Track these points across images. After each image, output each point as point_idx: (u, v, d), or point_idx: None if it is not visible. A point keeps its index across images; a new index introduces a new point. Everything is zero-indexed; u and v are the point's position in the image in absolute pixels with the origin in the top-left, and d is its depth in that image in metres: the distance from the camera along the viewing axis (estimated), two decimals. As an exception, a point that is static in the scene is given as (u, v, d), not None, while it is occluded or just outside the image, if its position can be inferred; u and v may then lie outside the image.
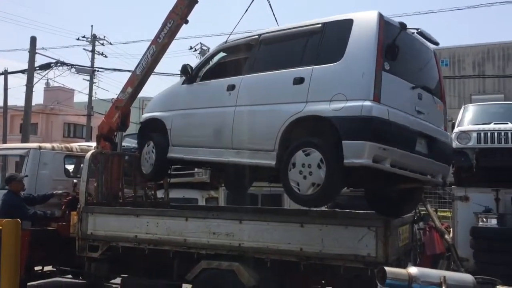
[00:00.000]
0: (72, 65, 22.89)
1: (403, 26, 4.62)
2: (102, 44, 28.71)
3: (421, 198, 6.14)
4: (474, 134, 7.24)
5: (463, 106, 8.58)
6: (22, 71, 20.80)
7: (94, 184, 6.62)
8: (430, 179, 4.98)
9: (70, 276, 7.61)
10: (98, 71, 27.49)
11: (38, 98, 60.66)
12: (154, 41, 6.87)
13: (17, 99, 60.53)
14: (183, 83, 5.95)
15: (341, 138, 4.21)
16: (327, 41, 4.73)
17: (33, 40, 20.28)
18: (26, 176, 6.92)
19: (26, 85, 19.72)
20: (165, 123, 5.91)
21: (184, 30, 7.00)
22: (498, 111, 8.57)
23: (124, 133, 7.58)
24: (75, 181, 7.12)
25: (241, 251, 5.13)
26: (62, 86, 33.14)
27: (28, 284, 6.68)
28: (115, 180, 6.87)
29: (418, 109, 4.75)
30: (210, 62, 6.04)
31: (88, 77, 27.35)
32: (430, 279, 3.60)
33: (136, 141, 7.03)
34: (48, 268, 7.45)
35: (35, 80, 20.55)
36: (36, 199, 6.82)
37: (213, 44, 45.89)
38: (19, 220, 5.81)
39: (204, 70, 5.93)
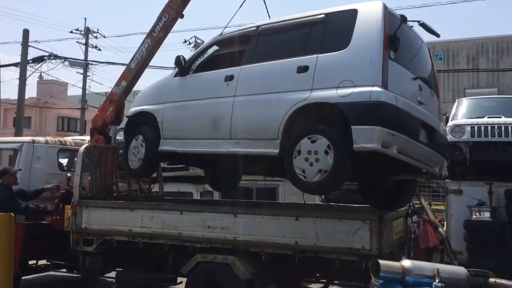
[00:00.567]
0: (65, 58, 22.64)
1: (404, 18, 4.68)
2: (96, 37, 28.55)
3: (415, 192, 6.17)
4: (468, 128, 7.29)
5: (457, 100, 8.63)
6: (15, 64, 20.53)
7: (88, 178, 6.60)
8: (429, 168, 5.01)
9: (64, 270, 7.60)
10: (91, 64, 27.30)
11: (31, 91, 60.33)
12: (149, 35, 6.80)
13: (10, 92, 60.04)
14: (175, 76, 5.90)
15: (350, 123, 4.22)
16: (331, 30, 4.73)
17: (25, 33, 20.05)
18: (20, 170, 6.87)
19: (19, 78, 19.52)
20: (156, 116, 5.84)
21: (178, 23, 6.94)
22: (491, 105, 8.62)
23: (118, 127, 7.54)
24: (69, 175, 7.09)
25: (236, 244, 5.14)
26: (56, 79, 32.96)
27: (22, 278, 6.66)
28: (109, 174, 6.84)
29: (419, 100, 4.79)
30: (205, 54, 5.99)
31: (81, 71, 27.15)
32: (423, 271, 3.62)
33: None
34: (42, 262, 7.43)
35: (28, 73, 20.35)
36: (28, 195, 6.78)
37: (207, 37, 45.68)
38: (12, 214, 5.78)
39: (198, 62, 5.89)
